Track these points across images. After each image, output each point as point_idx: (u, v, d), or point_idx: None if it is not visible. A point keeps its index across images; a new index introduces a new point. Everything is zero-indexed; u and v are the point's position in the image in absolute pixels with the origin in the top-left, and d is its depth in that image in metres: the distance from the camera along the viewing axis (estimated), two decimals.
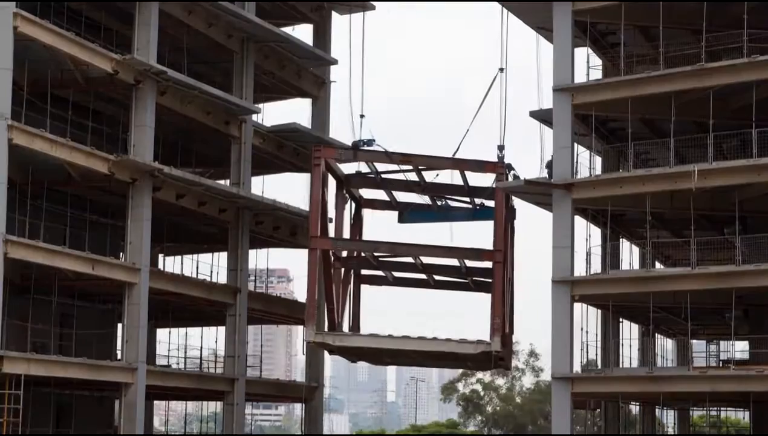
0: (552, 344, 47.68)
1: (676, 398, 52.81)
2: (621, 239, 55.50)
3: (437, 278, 55.89)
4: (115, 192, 51.06)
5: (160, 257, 63.47)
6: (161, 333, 63.85)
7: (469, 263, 52.32)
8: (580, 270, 48.53)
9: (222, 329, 58.31)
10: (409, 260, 52.97)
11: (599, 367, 54.34)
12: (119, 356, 52.85)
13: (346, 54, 55.23)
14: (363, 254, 52.65)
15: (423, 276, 55.47)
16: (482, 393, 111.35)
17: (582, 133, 51.19)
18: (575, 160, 48.94)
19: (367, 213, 54.89)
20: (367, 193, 54.67)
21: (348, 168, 52.01)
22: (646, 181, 46.72)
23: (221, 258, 59.71)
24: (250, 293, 58.95)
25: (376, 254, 52.15)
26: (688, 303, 45.89)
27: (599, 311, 53.00)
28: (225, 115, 56.02)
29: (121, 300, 50.70)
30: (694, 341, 60.19)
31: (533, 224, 64.78)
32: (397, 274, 55.88)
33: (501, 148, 49.37)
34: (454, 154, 49.68)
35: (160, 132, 52.09)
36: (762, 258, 45.25)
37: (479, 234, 50.61)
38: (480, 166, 49.14)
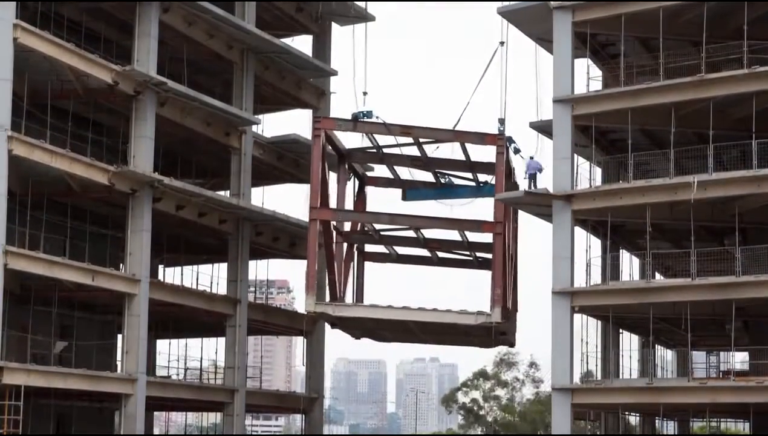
0: (552, 355, 47.70)
1: (676, 410, 52.73)
2: (621, 250, 55.47)
3: (440, 255, 55.91)
4: (115, 203, 51.06)
5: (160, 267, 63.41)
6: (161, 344, 63.85)
7: (472, 238, 52.39)
8: (580, 281, 48.55)
9: (222, 340, 58.26)
10: (412, 234, 53.02)
11: (599, 378, 54.28)
12: (119, 367, 52.77)
13: (346, 64, 55.59)
14: (366, 228, 52.64)
15: (426, 253, 55.44)
16: (482, 403, 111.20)
17: (582, 144, 51.20)
18: (575, 172, 48.97)
19: (370, 192, 55.06)
20: (370, 172, 54.81)
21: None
22: (646, 192, 46.75)
23: (221, 269, 59.83)
24: (249, 304, 58.90)
25: (377, 227, 52.11)
26: (688, 314, 45.86)
27: (599, 322, 53.00)
28: (225, 126, 56.00)
29: (121, 311, 50.64)
30: (694, 352, 60.06)
31: (533, 234, 64.78)
32: (400, 250, 55.93)
33: (502, 121, 49.62)
34: (454, 127, 49.84)
35: (160, 143, 52.08)
36: (762, 269, 45.24)
37: (482, 215, 50.79)
38: (480, 138, 49.50)
